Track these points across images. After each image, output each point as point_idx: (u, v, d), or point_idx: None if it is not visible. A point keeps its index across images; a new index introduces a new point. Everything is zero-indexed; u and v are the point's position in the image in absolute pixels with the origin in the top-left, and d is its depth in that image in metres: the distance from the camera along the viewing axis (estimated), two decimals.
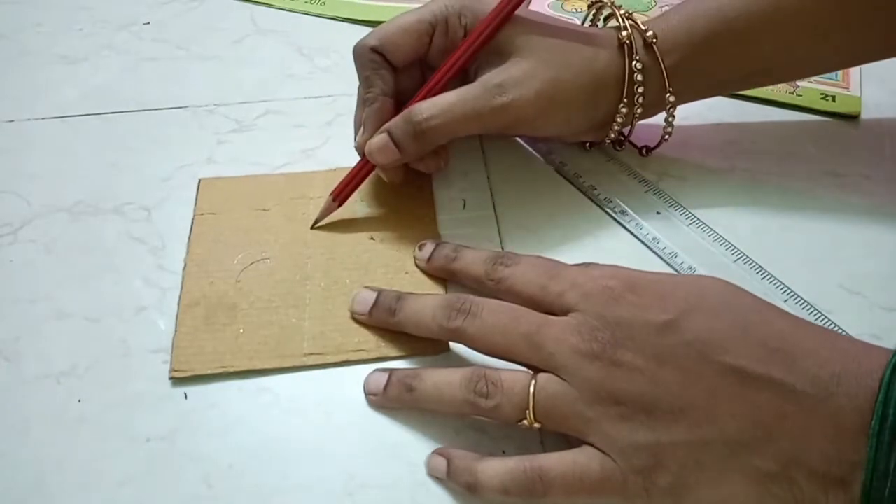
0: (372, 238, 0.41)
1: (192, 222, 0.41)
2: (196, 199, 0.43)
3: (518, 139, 0.47)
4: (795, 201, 0.42)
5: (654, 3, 0.58)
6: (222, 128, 0.48)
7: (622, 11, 0.41)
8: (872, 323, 0.37)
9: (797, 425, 0.27)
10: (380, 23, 0.41)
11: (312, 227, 0.41)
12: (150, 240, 0.41)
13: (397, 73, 0.40)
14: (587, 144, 0.45)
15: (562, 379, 0.30)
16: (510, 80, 0.38)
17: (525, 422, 0.30)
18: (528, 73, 0.38)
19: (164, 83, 0.51)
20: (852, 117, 0.48)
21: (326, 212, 0.41)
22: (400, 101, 0.40)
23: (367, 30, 0.41)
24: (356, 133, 0.41)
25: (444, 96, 0.38)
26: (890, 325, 0.36)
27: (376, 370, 0.35)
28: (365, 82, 0.40)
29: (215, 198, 0.43)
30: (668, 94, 0.40)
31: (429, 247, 0.39)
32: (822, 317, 0.36)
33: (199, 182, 0.44)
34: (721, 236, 0.40)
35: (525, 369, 0.31)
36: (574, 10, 0.58)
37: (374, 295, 0.36)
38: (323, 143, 0.46)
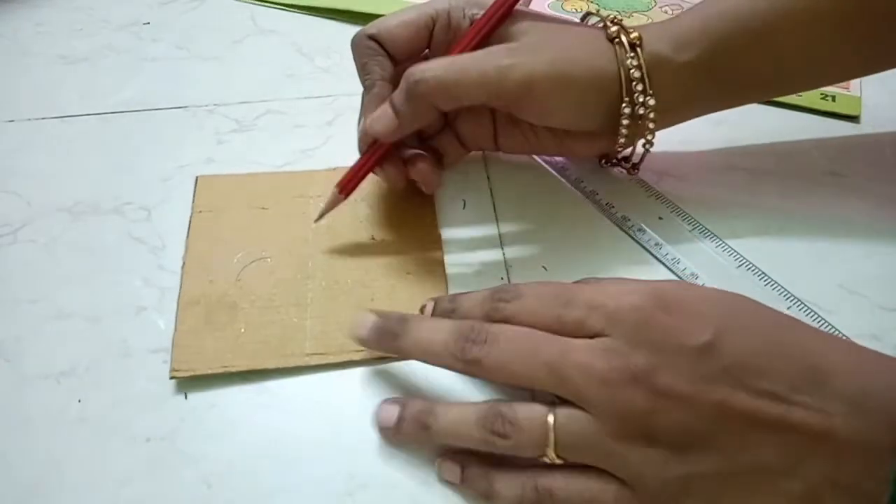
0: (372, 238, 0.41)
1: (190, 220, 0.41)
2: (193, 196, 0.43)
3: None
4: (795, 201, 0.42)
5: (654, 3, 0.58)
6: (222, 128, 0.48)
7: (607, 15, 0.39)
8: (872, 323, 0.37)
9: (829, 447, 0.26)
10: (380, 15, 0.40)
11: (317, 221, 0.40)
12: (150, 240, 0.41)
13: (396, 66, 0.39)
14: (602, 161, 0.43)
15: (584, 411, 0.28)
16: (522, 46, 0.36)
17: (546, 458, 0.29)
18: (541, 42, 0.36)
19: (164, 83, 0.51)
20: (852, 117, 0.48)
21: (332, 204, 0.39)
22: None
23: None
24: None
25: (445, 57, 0.37)
26: (890, 325, 0.36)
27: (385, 401, 0.33)
28: (362, 69, 0.39)
29: (213, 195, 0.43)
30: (648, 98, 0.37)
31: (428, 307, 0.35)
32: (822, 319, 0.36)
33: (197, 179, 0.43)
34: (723, 241, 0.40)
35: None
36: (574, 10, 0.58)
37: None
38: (323, 143, 0.46)
